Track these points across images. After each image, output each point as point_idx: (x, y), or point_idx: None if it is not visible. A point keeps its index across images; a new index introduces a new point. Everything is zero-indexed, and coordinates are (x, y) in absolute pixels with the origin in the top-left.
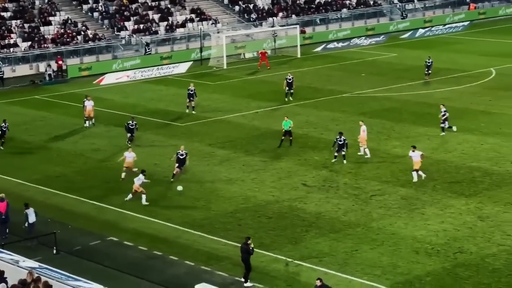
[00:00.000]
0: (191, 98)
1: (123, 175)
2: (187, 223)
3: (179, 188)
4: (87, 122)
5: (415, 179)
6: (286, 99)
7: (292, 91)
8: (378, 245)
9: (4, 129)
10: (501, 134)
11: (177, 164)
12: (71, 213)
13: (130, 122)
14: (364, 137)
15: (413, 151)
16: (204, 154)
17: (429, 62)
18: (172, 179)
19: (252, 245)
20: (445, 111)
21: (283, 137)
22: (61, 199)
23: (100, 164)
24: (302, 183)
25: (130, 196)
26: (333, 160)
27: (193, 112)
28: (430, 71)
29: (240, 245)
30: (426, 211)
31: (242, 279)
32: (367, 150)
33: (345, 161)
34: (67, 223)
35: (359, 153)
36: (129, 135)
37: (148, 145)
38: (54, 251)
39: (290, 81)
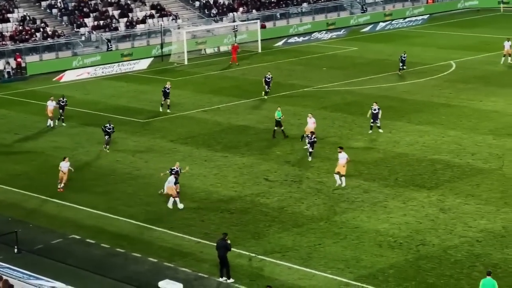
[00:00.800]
0: (167, 97)
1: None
2: (150, 220)
3: (180, 206)
4: (50, 122)
5: (338, 182)
6: (265, 96)
7: (269, 90)
8: (341, 239)
9: None
10: (461, 127)
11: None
12: (32, 211)
13: (108, 125)
14: (311, 128)
15: (340, 152)
16: (166, 150)
17: (404, 57)
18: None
19: (229, 241)
20: (378, 109)
21: (275, 128)
22: (22, 198)
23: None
24: (265, 178)
25: (172, 200)
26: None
27: (168, 110)
28: (405, 66)
29: (216, 242)
30: (388, 204)
31: (221, 278)
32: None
33: (310, 158)
34: (28, 222)
35: (304, 147)
36: (106, 137)
37: (111, 142)
38: (15, 250)
39: (269, 80)
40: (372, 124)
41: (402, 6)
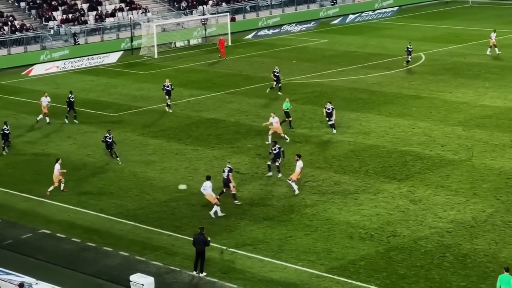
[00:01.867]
0: (169, 96)
1: None
2: (121, 214)
3: (183, 187)
4: (46, 118)
5: (297, 191)
6: (268, 91)
7: (280, 84)
8: (312, 231)
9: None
10: (431, 118)
11: (206, 189)
12: (1, 206)
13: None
14: (279, 127)
15: (297, 160)
16: (136, 144)
17: (410, 48)
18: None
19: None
20: (332, 108)
21: (286, 119)
22: None
23: (31, 156)
24: (235, 170)
25: (215, 209)
26: (268, 174)
27: (170, 110)
28: (410, 58)
29: (193, 237)
30: (359, 196)
31: (194, 272)
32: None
33: (280, 174)
34: None
35: (267, 142)
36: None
37: (80, 135)
38: None
39: (277, 74)
40: (330, 124)
41: None
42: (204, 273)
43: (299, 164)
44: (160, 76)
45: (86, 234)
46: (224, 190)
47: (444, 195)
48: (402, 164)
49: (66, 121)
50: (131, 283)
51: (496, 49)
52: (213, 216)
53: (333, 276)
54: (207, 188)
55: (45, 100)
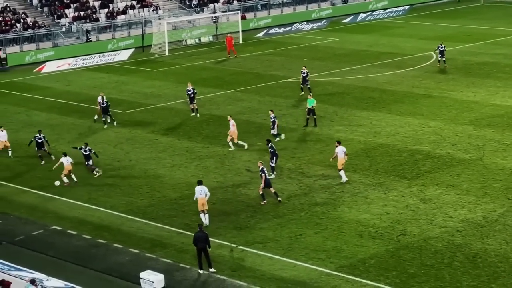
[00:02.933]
0: (193, 101)
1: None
2: (131, 211)
3: (57, 183)
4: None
5: (344, 179)
6: (302, 92)
7: (308, 85)
8: (322, 229)
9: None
10: (442, 117)
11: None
12: (13, 202)
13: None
14: (235, 131)
15: (337, 146)
16: (147, 141)
17: (441, 48)
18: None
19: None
20: (274, 117)
21: (308, 116)
22: (3, 189)
23: (43, 152)
24: (246, 168)
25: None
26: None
27: (197, 115)
28: (444, 58)
29: (195, 235)
30: (369, 194)
31: (201, 271)
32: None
33: (273, 175)
34: (8, 213)
35: (230, 149)
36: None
37: (91, 133)
38: None
39: (304, 75)
40: (273, 133)
41: None
42: (213, 269)
43: (340, 149)
44: (171, 73)
45: (96, 231)
46: (270, 190)
47: (455, 194)
48: (412, 163)
49: (105, 126)
50: (141, 280)
51: None
52: (206, 223)
53: (342, 275)
54: (202, 192)
55: (101, 99)
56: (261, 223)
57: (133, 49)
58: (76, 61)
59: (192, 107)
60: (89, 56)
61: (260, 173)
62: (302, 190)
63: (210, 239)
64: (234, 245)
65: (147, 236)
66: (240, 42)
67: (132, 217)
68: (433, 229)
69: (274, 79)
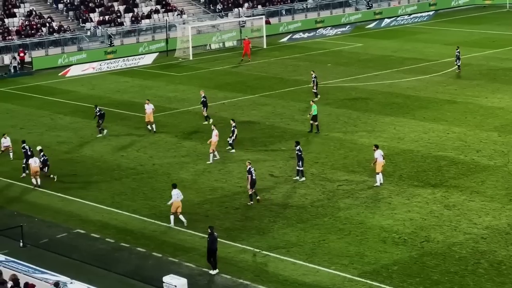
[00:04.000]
0: (206, 107)
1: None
2: (154, 215)
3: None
4: (148, 126)
5: (378, 183)
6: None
7: (315, 90)
8: (345, 234)
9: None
10: (466, 123)
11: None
12: (37, 205)
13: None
14: (215, 142)
15: (375, 150)
16: (170, 145)
17: (457, 53)
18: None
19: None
20: (234, 127)
21: (311, 122)
22: (27, 192)
23: (66, 156)
24: (269, 173)
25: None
26: (296, 178)
27: (210, 121)
28: (459, 62)
29: (209, 237)
30: (392, 200)
31: (214, 271)
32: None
33: (303, 178)
34: (33, 216)
35: (213, 159)
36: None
37: (114, 136)
38: (21, 244)
39: (313, 79)
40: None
41: (407, 2)
42: (217, 270)
43: (378, 153)
44: (195, 78)
45: (119, 234)
46: (254, 190)
47: (479, 201)
48: (436, 169)
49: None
50: (164, 284)
51: None
52: (173, 225)
53: (365, 281)
54: (180, 196)
55: (148, 108)
56: (284, 228)
57: (158, 53)
58: (100, 65)
59: (205, 114)
60: (114, 60)
61: (247, 173)
62: (326, 196)
63: (232, 243)
64: (257, 250)
65: (170, 240)
66: (265, 46)
67: (155, 221)
68: (457, 235)
69: (298, 84)
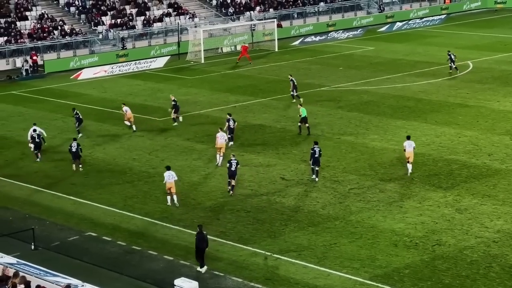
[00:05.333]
0: (175, 110)
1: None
2: (166, 218)
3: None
4: (127, 122)
5: (409, 171)
6: (294, 100)
7: (293, 93)
8: (356, 238)
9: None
10: (478, 127)
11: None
12: (48, 208)
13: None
14: (221, 144)
15: (407, 140)
16: (182, 149)
17: (449, 54)
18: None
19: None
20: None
21: (299, 124)
22: (39, 195)
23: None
24: (281, 177)
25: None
26: (313, 177)
27: (175, 124)
28: (454, 64)
29: (198, 235)
30: (404, 204)
31: (198, 268)
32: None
33: (316, 178)
34: (45, 219)
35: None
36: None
37: (126, 139)
38: (32, 247)
39: (292, 81)
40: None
41: (419, 6)
42: (203, 270)
43: (408, 143)
44: (207, 81)
45: (131, 237)
46: (231, 181)
47: (491, 204)
48: (448, 172)
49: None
50: (175, 287)
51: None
52: (170, 204)
53: (377, 284)
54: (172, 177)
55: (126, 109)
56: (295, 231)
57: (169, 56)
58: (112, 68)
59: (175, 117)
60: (126, 63)
61: (236, 165)
62: (337, 199)
63: (244, 246)
64: (268, 253)
65: (181, 243)
66: (276, 50)
67: (167, 224)
68: (468, 239)
69: (310, 87)
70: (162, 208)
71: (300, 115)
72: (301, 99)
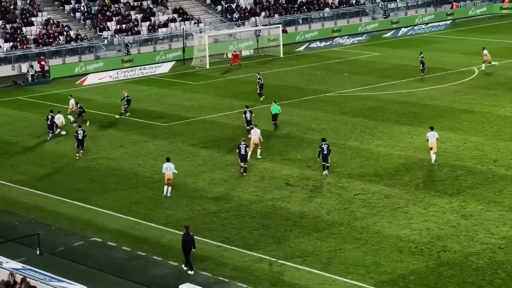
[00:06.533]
0: (128, 104)
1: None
2: (170, 223)
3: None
4: (70, 116)
5: (433, 160)
6: (261, 98)
7: (260, 92)
8: (361, 244)
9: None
10: (483, 133)
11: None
12: (54, 213)
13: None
14: (255, 141)
15: (430, 131)
16: (187, 154)
17: (421, 57)
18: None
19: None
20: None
21: (273, 122)
22: (44, 200)
23: (83, 164)
24: (286, 182)
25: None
26: (324, 172)
27: (117, 116)
28: (424, 68)
29: (184, 237)
30: (409, 210)
31: (191, 271)
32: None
33: (326, 172)
34: (50, 224)
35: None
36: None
37: (131, 145)
38: (38, 252)
39: (259, 80)
40: None
41: (425, 12)
42: (192, 272)
43: (431, 134)
44: (212, 87)
45: (136, 243)
46: (242, 164)
47: (497, 210)
48: (453, 178)
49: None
50: None
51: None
52: (165, 194)
53: None
54: (170, 168)
55: (72, 102)
56: (300, 237)
57: (174, 62)
58: (117, 73)
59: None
60: (131, 68)
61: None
62: (342, 205)
63: (249, 252)
64: (273, 259)
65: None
66: (281, 55)
67: (172, 230)
68: (474, 245)
69: (315, 93)
70: (167, 213)
71: (271, 112)
72: (263, 97)
